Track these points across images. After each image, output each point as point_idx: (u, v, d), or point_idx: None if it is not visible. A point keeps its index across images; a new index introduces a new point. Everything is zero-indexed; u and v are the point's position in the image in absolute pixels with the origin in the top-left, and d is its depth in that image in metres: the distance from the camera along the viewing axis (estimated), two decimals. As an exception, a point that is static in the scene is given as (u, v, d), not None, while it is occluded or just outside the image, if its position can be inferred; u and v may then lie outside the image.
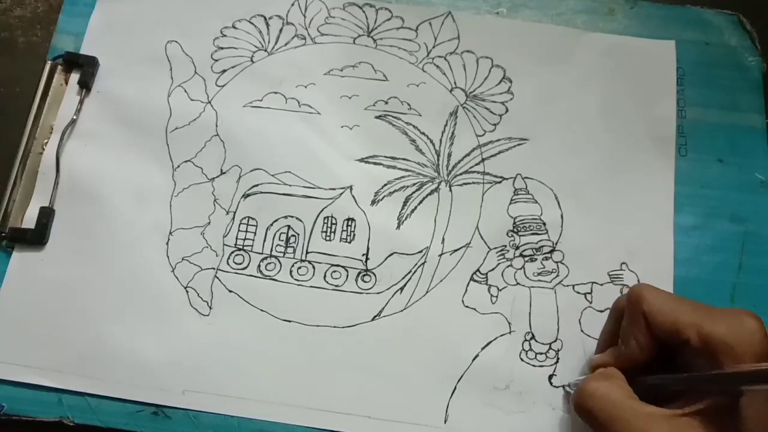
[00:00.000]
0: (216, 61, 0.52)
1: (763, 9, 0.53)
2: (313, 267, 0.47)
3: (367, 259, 0.47)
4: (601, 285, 0.46)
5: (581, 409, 0.38)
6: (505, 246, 0.47)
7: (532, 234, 0.47)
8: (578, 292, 0.46)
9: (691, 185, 0.49)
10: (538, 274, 0.47)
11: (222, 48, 0.52)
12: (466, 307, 0.46)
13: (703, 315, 0.36)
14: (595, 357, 0.42)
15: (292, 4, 0.54)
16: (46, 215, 0.48)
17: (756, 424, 0.33)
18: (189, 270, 0.47)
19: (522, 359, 0.45)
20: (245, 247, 0.47)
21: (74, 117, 0.50)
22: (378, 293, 0.47)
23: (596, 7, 0.54)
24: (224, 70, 0.52)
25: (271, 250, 0.47)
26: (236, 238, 0.48)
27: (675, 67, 0.51)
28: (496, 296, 0.46)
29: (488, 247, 0.47)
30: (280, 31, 0.53)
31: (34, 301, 0.46)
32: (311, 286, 0.47)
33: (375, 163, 0.49)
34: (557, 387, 0.44)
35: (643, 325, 0.38)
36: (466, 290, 0.46)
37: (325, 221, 0.48)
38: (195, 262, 0.47)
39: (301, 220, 0.48)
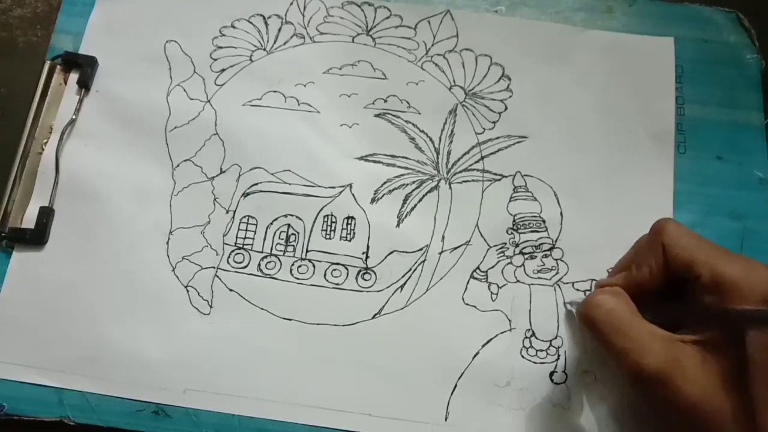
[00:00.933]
0: (215, 60, 0.52)
1: (762, 6, 0.53)
2: (314, 265, 0.47)
3: (367, 257, 0.47)
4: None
5: (585, 318, 0.39)
6: (505, 243, 0.47)
7: (532, 231, 0.47)
8: (578, 289, 0.46)
9: (690, 182, 0.49)
10: (538, 271, 0.47)
11: (221, 47, 0.53)
12: (466, 304, 0.46)
13: (719, 255, 0.37)
14: (604, 279, 0.43)
15: (291, 4, 0.54)
16: (46, 215, 0.48)
17: (757, 362, 0.34)
18: (189, 269, 0.47)
19: (522, 356, 0.45)
20: (245, 246, 0.48)
21: (73, 117, 0.50)
22: (378, 291, 0.47)
23: (595, 5, 0.54)
24: (223, 70, 0.52)
25: (271, 249, 0.47)
26: (236, 237, 0.48)
27: (674, 65, 0.51)
28: (496, 294, 0.46)
29: (488, 245, 0.47)
30: (279, 30, 0.53)
31: (34, 301, 0.46)
32: (311, 285, 0.47)
33: (374, 162, 0.49)
34: (558, 384, 0.44)
35: (660, 255, 0.39)
36: (466, 288, 0.46)
37: (325, 220, 0.48)
38: (195, 261, 0.47)
39: (301, 219, 0.48)
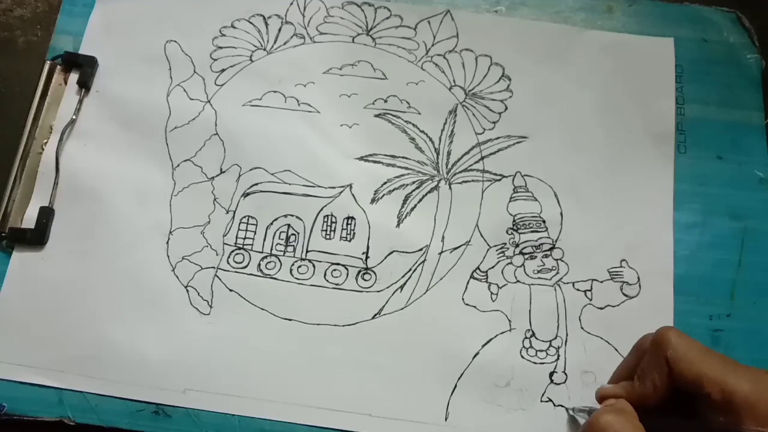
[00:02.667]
0: (215, 60, 0.52)
1: (762, 6, 0.53)
2: (313, 266, 0.47)
3: (367, 257, 0.47)
4: (601, 282, 0.46)
5: None
6: (505, 244, 0.47)
7: (532, 231, 0.47)
8: (578, 290, 0.46)
9: (691, 182, 0.49)
10: (538, 271, 0.47)
11: (221, 47, 0.53)
12: (467, 305, 0.46)
13: (728, 371, 0.35)
14: (607, 387, 0.41)
15: (291, 4, 0.54)
16: (46, 215, 0.48)
17: None
18: (189, 269, 0.47)
19: (522, 356, 0.45)
20: (245, 246, 0.48)
21: (73, 117, 0.50)
22: (378, 291, 0.47)
23: (595, 5, 0.54)
24: (223, 70, 0.52)
25: (271, 249, 0.47)
26: (236, 237, 0.48)
27: (674, 65, 0.51)
28: (496, 294, 0.46)
29: (488, 245, 0.47)
30: (279, 30, 0.53)
31: (34, 301, 0.46)
32: (311, 285, 0.47)
33: (374, 162, 0.49)
34: (558, 384, 0.44)
35: (664, 369, 0.37)
36: (466, 288, 0.46)
37: (325, 220, 0.48)
38: (195, 261, 0.47)
39: (301, 219, 0.48)
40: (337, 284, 0.47)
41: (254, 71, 0.52)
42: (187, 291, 0.46)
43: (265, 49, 0.53)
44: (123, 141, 0.50)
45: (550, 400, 0.44)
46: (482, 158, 0.50)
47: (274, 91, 0.51)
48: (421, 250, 0.47)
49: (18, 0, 0.55)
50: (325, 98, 0.51)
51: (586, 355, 0.45)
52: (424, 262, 0.47)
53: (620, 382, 0.40)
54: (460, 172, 0.49)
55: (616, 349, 0.44)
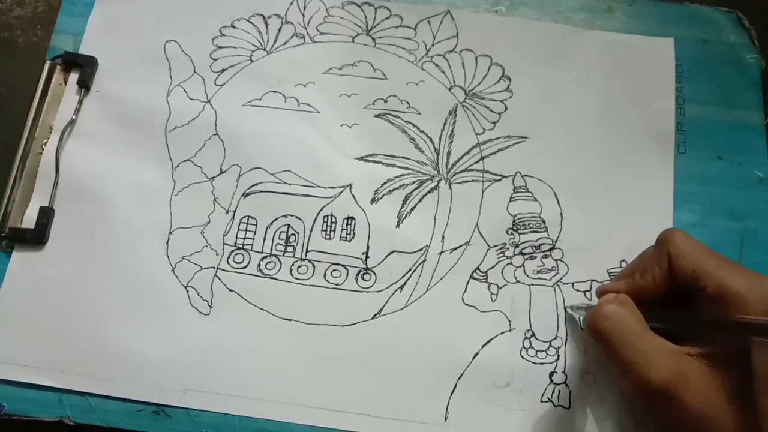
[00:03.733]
0: (215, 60, 0.52)
1: (762, 6, 0.53)
2: (313, 266, 0.47)
3: (366, 257, 0.47)
4: (601, 283, 0.46)
5: (593, 329, 0.39)
6: (505, 244, 0.47)
7: (532, 232, 0.47)
8: (578, 290, 0.46)
9: (690, 182, 0.49)
10: (538, 271, 0.47)
11: (221, 47, 0.53)
12: (466, 305, 0.46)
13: (725, 267, 0.37)
14: (606, 284, 0.43)
15: (291, 3, 0.54)
16: (46, 215, 0.48)
17: (762, 375, 0.34)
18: (189, 269, 0.47)
19: (522, 357, 0.45)
20: (245, 246, 0.48)
21: (73, 117, 0.50)
22: (378, 292, 0.47)
23: (595, 5, 0.54)
24: (223, 70, 0.52)
25: (271, 249, 0.47)
26: (236, 237, 0.48)
27: (674, 65, 0.51)
28: (496, 294, 0.46)
29: (488, 245, 0.47)
30: (279, 30, 0.53)
31: (34, 301, 0.46)
32: (311, 285, 0.47)
33: (374, 162, 0.49)
34: (558, 384, 0.44)
35: (665, 264, 0.39)
36: (466, 288, 0.46)
37: (325, 220, 0.48)
38: (195, 262, 0.47)
39: (300, 219, 0.48)
40: (336, 284, 0.47)
41: (254, 71, 0.52)
42: (187, 291, 0.46)
43: (265, 49, 0.53)
44: (123, 141, 0.50)
45: (550, 401, 0.44)
46: (482, 158, 0.50)
47: (274, 91, 0.51)
48: (421, 250, 0.47)
49: (18, 0, 0.55)
50: (325, 98, 0.51)
51: (585, 355, 0.45)
52: (424, 262, 0.47)
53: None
54: (460, 172, 0.49)
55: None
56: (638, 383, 0.36)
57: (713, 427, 0.35)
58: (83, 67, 0.51)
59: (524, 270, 0.47)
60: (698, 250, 0.38)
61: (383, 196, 0.49)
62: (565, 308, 0.45)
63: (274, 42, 0.53)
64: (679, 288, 0.39)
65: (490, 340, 0.45)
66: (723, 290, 0.36)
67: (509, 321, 0.46)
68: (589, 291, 0.46)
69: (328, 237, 0.48)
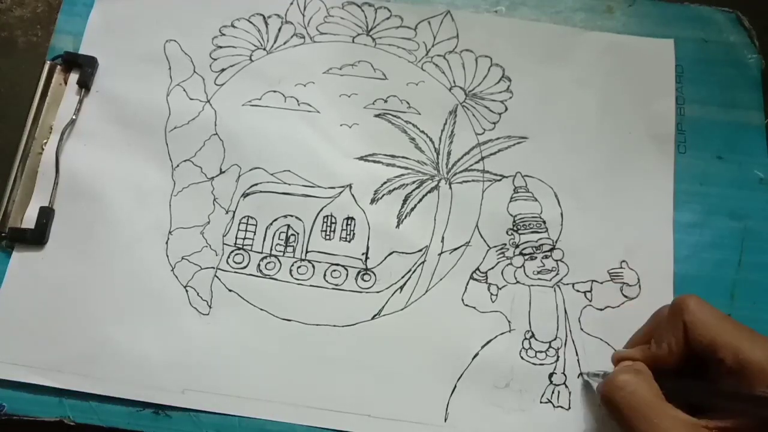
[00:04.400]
0: (215, 60, 0.52)
1: (762, 6, 0.53)
2: (313, 266, 0.47)
3: (366, 258, 0.47)
4: (601, 283, 0.46)
5: (608, 400, 0.38)
6: (505, 244, 0.47)
7: (532, 232, 0.47)
8: (578, 291, 0.46)
9: (691, 182, 0.49)
10: (538, 272, 0.47)
11: (221, 47, 0.52)
12: (466, 305, 0.46)
13: (743, 338, 0.36)
14: (622, 350, 0.42)
15: (291, 3, 0.54)
16: (46, 215, 0.48)
17: None
18: (189, 269, 0.47)
19: (522, 357, 0.45)
20: (245, 247, 0.48)
21: (73, 117, 0.50)
22: (378, 292, 0.47)
23: (595, 5, 0.54)
24: (223, 69, 0.52)
25: (271, 250, 0.47)
26: (236, 238, 0.48)
27: (674, 65, 0.51)
28: (496, 295, 0.46)
29: (488, 246, 0.47)
30: (279, 30, 0.53)
31: (34, 301, 0.46)
32: (311, 285, 0.47)
33: (374, 162, 0.49)
34: (558, 385, 0.44)
35: (681, 333, 0.38)
36: (466, 289, 0.46)
37: (325, 220, 0.48)
38: (195, 262, 0.47)
39: (300, 219, 0.48)
40: (336, 285, 0.47)
41: (254, 71, 0.52)
42: (187, 291, 0.46)
43: (265, 49, 0.52)
44: (123, 141, 0.50)
45: (550, 401, 0.44)
46: (482, 158, 0.49)
47: (274, 91, 0.51)
48: (420, 250, 0.47)
49: (18, 0, 0.55)
50: (325, 98, 0.51)
51: (585, 356, 0.45)
52: (423, 262, 0.47)
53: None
54: (461, 172, 0.49)
55: (615, 351, 0.44)
56: None
57: None
58: (83, 67, 0.51)
59: (524, 270, 0.47)
60: (714, 318, 0.37)
61: (383, 196, 0.49)
62: (581, 375, 0.44)
63: (274, 42, 0.53)
64: (695, 357, 0.38)
65: (490, 340, 0.45)
66: (743, 362, 0.35)
67: (509, 322, 0.46)
68: (590, 292, 0.46)
69: (327, 237, 0.48)
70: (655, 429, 0.35)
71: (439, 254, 0.47)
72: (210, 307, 0.46)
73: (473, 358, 0.45)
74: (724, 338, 0.36)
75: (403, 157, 0.50)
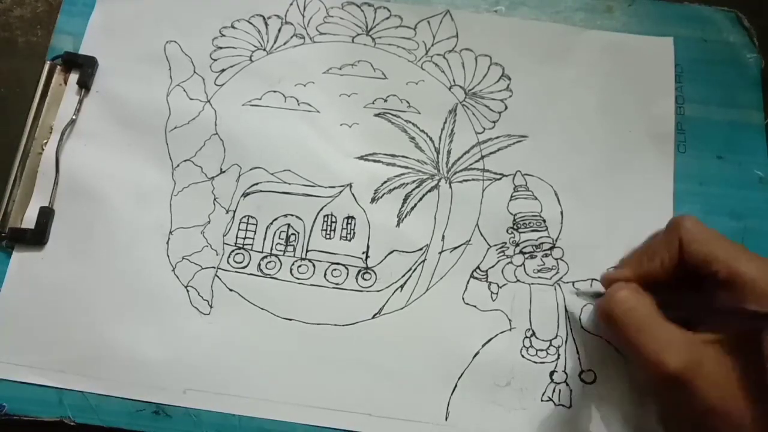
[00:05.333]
0: (215, 60, 0.52)
1: (762, 6, 0.53)
2: (314, 265, 0.47)
3: (367, 257, 0.47)
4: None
5: (606, 314, 0.39)
6: (505, 243, 0.47)
7: (532, 231, 0.47)
8: (578, 289, 0.46)
9: (690, 182, 0.49)
10: (538, 271, 0.47)
11: (221, 47, 0.53)
12: (467, 304, 0.46)
13: (737, 253, 0.37)
14: (612, 270, 0.43)
15: (291, 4, 0.54)
16: (46, 215, 0.48)
17: None
18: (189, 269, 0.47)
19: (523, 356, 0.45)
20: (245, 246, 0.48)
21: (73, 117, 0.50)
22: (378, 291, 0.47)
23: (595, 5, 0.54)
24: (223, 70, 0.52)
25: (271, 249, 0.47)
26: (236, 237, 0.48)
27: (673, 65, 0.51)
28: (497, 293, 0.46)
29: (488, 244, 0.47)
30: (279, 30, 0.53)
31: (34, 301, 0.46)
32: (311, 285, 0.47)
33: (374, 161, 0.49)
34: (559, 383, 0.44)
35: (675, 248, 0.39)
36: (467, 287, 0.46)
37: (325, 219, 0.48)
38: (195, 261, 0.47)
39: (301, 219, 0.48)
40: (337, 284, 0.47)
41: (254, 71, 0.52)
42: (187, 291, 0.46)
43: (264, 49, 0.53)
44: (123, 141, 0.50)
45: (551, 400, 0.44)
46: (482, 157, 0.50)
47: (274, 91, 0.51)
48: (421, 249, 0.47)
49: (18, 0, 0.55)
50: (325, 98, 0.51)
51: (586, 354, 0.45)
52: (424, 261, 0.47)
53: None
54: (461, 171, 0.49)
55: (616, 349, 0.44)
56: (654, 370, 0.36)
57: (727, 414, 0.35)
58: (83, 67, 0.51)
59: (524, 269, 0.47)
60: (710, 235, 0.39)
61: (383, 195, 0.49)
62: (573, 286, 0.45)
63: (274, 42, 0.53)
64: (688, 273, 0.39)
65: (491, 339, 0.45)
66: (735, 276, 0.36)
67: (509, 320, 0.46)
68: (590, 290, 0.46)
69: (328, 236, 0.48)
70: (656, 342, 0.36)
71: (440, 253, 0.47)
72: (211, 306, 0.46)
73: (474, 357, 0.45)
74: (719, 253, 0.37)
75: (403, 157, 0.50)
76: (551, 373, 0.44)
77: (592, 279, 0.46)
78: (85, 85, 0.51)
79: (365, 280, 0.47)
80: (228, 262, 0.47)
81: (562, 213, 0.48)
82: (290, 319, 0.46)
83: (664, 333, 0.37)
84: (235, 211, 0.48)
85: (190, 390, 0.44)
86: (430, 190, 0.49)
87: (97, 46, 0.52)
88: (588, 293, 0.44)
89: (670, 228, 0.40)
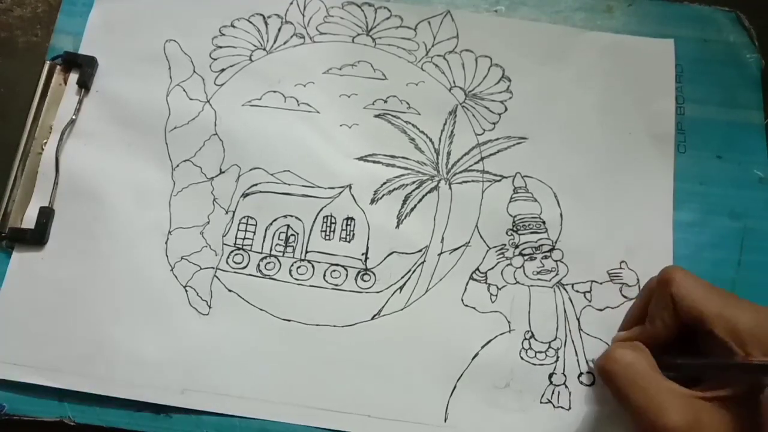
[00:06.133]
0: (215, 60, 0.52)
1: (762, 6, 0.53)
2: (313, 266, 0.47)
3: (366, 258, 0.47)
4: (601, 284, 0.46)
5: (604, 372, 0.39)
6: (505, 245, 0.47)
7: (532, 233, 0.47)
8: (578, 291, 0.46)
9: (690, 182, 0.49)
10: (538, 272, 0.47)
11: (221, 47, 0.52)
12: (466, 306, 0.46)
13: (730, 306, 0.37)
14: (620, 333, 0.43)
15: (291, 3, 0.54)
16: (46, 215, 0.48)
17: None
18: (188, 269, 0.47)
19: (522, 358, 0.45)
20: (245, 247, 0.48)
21: (73, 117, 0.50)
22: (377, 292, 0.47)
23: (594, 5, 0.54)
24: (223, 69, 0.52)
25: (271, 250, 0.47)
26: (236, 238, 0.48)
27: (674, 65, 0.51)
28: (496, 295, 0.46)
29: (488, 246, 0.47)
30: (279, 30, 0.53)
31: (34, 301, 0.46)
32: (311, 286, 0.47)
33: (374, 162, 0.49)
34: (558, 385, 0.44)
35: (671, 307, 0.39)
36: (466, 289, 0.46)
37: (325, 220, 0.48)
38: (194, 262, 0.47)
39: (300, 220, 0.48)
40: (336, 285, 0.47)
41: (254, 71, 0.52)
42: (186, 291, 0.46)
43: (264, 49, 0.52)
44: (123, 141, 0.50)
45: (550, 402, 0.44)
46: (482, 159, 0.49)
47: (274, 91, 0.51)
48: (420, 251, 0.47)
49: (18, 0, 0.55)
50: (325, 98, 0.51)
51: (585, 356, 0.45)
52: (423, 262, 0.47)
53: (631, 327, 0.43)
54: (460, 172, 0.49)
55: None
56: (651, 429, 0.35)
57: None
58: (83, 67, 0.51)
59: (524, 271, 0.47)
60: (700, 290, 0.38)
61: (383, 196, 0.49)
62: (587, 362, 0.44)
63: (274, 42, 0.53)
64: (687, 327, 0.38)
65: (490, 341, 0.45)
66: (732, 332, 0.36)
67: (509, 322, 0.46)
68: (589, 292, 0.46)
69: (327, 237, 0.48)
70: (651, 400, 0.36)
71: (439, 254, 0.47)
72: (210, 307, 0.46)
73: (473, 359, 0.45)
74: (712, 310, 0.37)
75: (402, 158, 0.50)
76: (550, 375, 0.44)
77: (592, 281, 0.46)
78: (84, 85, 0.51)
79: (364, 281, 0.47)
80: (227, 263, 0.47)
81: (561, 215, 0.48)
82: (289, 320, 0.46)
83: (660, 391, 0.36)
84: (234, 212, 0.48)
85: (189, 390, 0.44)
86: (429, 192, 0.49)
87: (96, 45, 0.52)
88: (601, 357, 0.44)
89: (660, 284, 0.40)
